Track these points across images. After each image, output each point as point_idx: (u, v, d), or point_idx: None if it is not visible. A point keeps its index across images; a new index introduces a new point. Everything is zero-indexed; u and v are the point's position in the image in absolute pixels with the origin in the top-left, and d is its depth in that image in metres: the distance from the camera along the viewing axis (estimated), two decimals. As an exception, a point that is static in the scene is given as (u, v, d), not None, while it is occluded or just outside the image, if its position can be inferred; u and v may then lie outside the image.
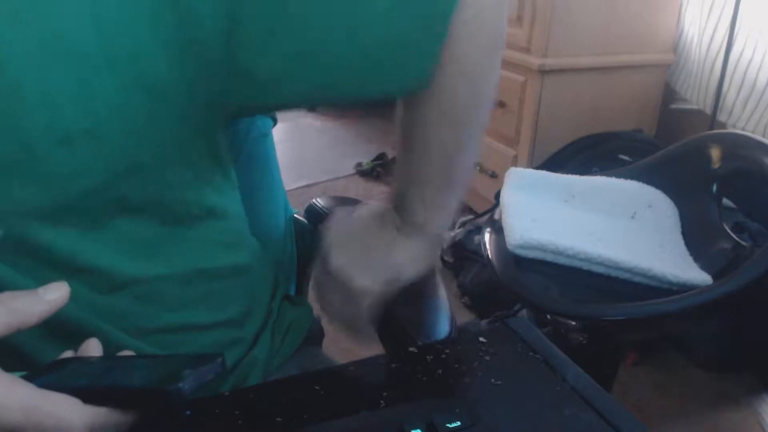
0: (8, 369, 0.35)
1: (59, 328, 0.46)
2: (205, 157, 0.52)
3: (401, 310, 0.62)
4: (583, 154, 1.90)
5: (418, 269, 0.57)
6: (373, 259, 0.56)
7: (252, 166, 0.75)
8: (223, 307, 0.58)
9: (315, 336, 0.74)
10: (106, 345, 0.42)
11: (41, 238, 0.45)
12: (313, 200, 0.85)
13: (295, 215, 0.86)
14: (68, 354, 0.41)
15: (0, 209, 0.43)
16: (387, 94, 0.52)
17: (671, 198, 1.30)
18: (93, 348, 0.41)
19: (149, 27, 0.41)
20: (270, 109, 0.68)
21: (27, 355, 0.48)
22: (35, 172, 0.42)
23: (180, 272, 0.53)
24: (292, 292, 0.85)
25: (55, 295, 0.37)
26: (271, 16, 0.43)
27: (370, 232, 0.58)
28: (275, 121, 0.78)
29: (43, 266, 0.46)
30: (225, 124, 0.53)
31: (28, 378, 0.37)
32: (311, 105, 0.62)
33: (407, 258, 0.57)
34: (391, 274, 0.56)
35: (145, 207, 0.49)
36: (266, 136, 0.77)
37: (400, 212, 0.57)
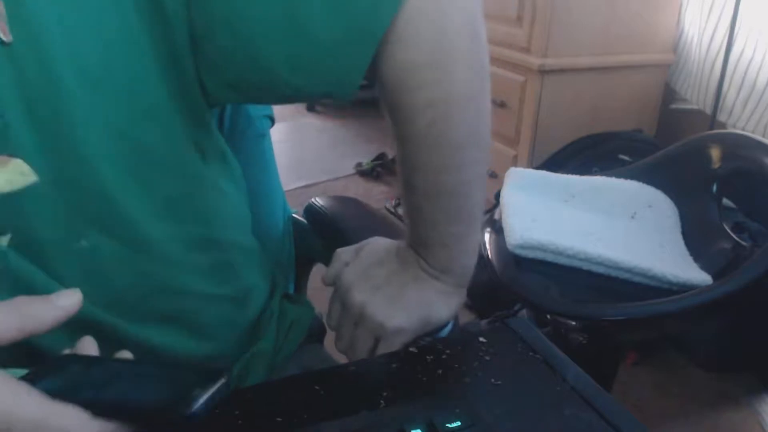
0: (10, 357, 0.35)
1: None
2: (201, 134, 0.54)
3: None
4: (583, 154, 1.90)
5: (451, 308, 0.58)
6: (406, 299, 0.56)
7: (250, 166, 0.75)
8: (226, 281, 0.60)
9: (316, 333, 0.74)
10: (105, 335, 0.42)
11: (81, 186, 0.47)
12: (312, 200, 0.85)
13: (294, 215, 0.86)
14: (66, 352, 0.41)
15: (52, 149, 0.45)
16: (318, 96, 0.53)
17: (671, 198, 1.30)
18: (89, 346, 0.41)
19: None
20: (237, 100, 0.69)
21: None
22: (59, 105, 0.44)
23: (193, 236, 0.55)
24: (291, 291, 0.85)
25: (68, 301, 0.37)
26: (213, 7, 0.46)
27: (392, 270, 0.58)
28: (273, 122, 0.78)
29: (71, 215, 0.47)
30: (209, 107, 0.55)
31: (29, 379, 0.36)
32: (261, 98, 0.64)
33: (440, 298, 0.57)
34: (424, 313, 0.56)
35: (164, 159, 0.51)
36: (264, 136, 0.77)
37: (423, 255, 0.57)
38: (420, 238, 0.56)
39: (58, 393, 0.35)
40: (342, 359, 0.61)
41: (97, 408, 0.35)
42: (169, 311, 0.56)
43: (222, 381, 0.36)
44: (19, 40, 0.41)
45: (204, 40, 0.47)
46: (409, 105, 0.49)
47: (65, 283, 0.48)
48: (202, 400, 0.35)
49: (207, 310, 0.58)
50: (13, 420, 0.33)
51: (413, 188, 0.54)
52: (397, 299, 0.56)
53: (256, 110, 0.75)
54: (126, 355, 0.42)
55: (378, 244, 0.61)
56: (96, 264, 0.50)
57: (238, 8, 0.45)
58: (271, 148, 0.80)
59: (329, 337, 0.75)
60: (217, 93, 0.51)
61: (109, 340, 0.44)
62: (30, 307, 0.36)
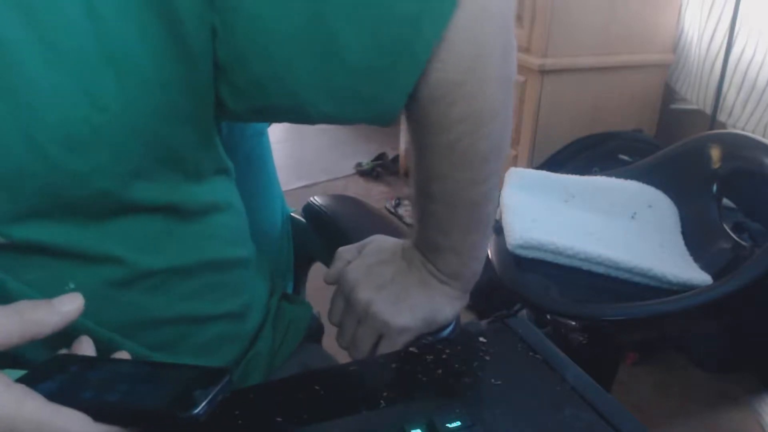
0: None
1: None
2: (206, 155, 0.52)
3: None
4: (583, 154, 1.90)
5: (455, 310, 0.58)
6: (411, 299, 0.56)
7: (248, 165, 0.75)
8: (225, 299, 0.58)
9: (315, 333, 0.74)
10: (100, 345, 0.42)
11: (53, 235, 0.45)
12: (311, 198, 0.85)
13: (292, 214, 0.86)
14: (63, 352, 0.41)
15: (12, 212, 0.43)
16: (361, 122, 0.50)
17: (671, 198, 1.30)
18: (85, 346, 0.41)
19: (136, 24, 0.41)
20: (260, 119, 0.67)
21: (18, 354, 0.48)
22: (47, 176, 0.42)
23: (185, 264, 0.53)
24: (290, 291, 0.85)
25: (69, 306, 0.37)
26: (241, 39, 0.43)
27: (397, 269, 0.58)
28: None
29: (54, 262, 0.46)
30: (219, 123, 0.53)
31: (27, 380, 0.36)
32: (295, 119, 0.61)
33: (445, 300, 0.57)
34: (429, 313, 0.56)
35: (155, 205, 0.49)
36: (262, 134, 0.77)
37: (432, 260, 0.57)
38: (431, 243, 0.56)
39: (58, 395, 0.35)
40: (341, 356, 0.61)
41: (98, 410, 0.35)
42: (162, 339, 0.54)
43: (225, 379, 0.36)
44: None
45: (233, 70, 0.45)
46: (438, 119, 0.48)
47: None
48: (205, 400, 0.35)
49: (205, 332, 0.57)
50: (17, 424, 0.33)
51: (430, 196, 0.53)
52: (403, 298, 0.56)
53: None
54: (123, 355, 0.42)
55: (381, 242, 0.61)
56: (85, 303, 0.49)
57: (271, 36, 0.43)
58: (269, 147, 0.79)
59: (327, 336, 0.75)
60: (237, 116, 0.50)
61: (103, 352, 0.43)
62: (32, 312, 0.36)
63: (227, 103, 0.48)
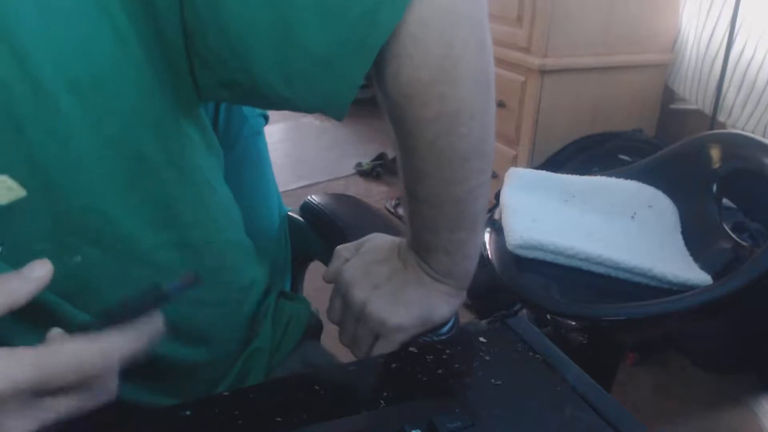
0: None
1: (34, 312, 0.46)
2: (189, 122, 0.53)
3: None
4: (583, 154, 1.90)
5: (452, 307, 0.58)
6: (407, 297, 0.56)
7: (245, 164, 0.75)
8: (221, 283, 0.59)
9: (314, 330, 0.74)
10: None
11: (71, 202, 0.46)
12: (309, 197, 0.85)
13: (290, 213, 0.86)
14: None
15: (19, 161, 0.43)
16: (316, 110, 0.50)
17: (671, 198, 1.30)
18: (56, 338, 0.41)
19: None
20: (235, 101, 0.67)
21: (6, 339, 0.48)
22: (52, 123, 0.42)
23: (185, 242, 0.54)
24: (288, 289, 0.85)
25: (40, 272, 0.37)
26: (201, 10, 0.44)
27: (393, 268, 0.58)
28: (267, 120, 0.78)
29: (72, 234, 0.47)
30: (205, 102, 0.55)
31: None
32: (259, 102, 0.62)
33: (441, 298, 0.57)
34: (425, 312, 0.56)
35: (158, 165, 0.49)
36: (259, 134, 0.77)
37: (425, 259, 0.57)
38: (422, 243, 0.56)
39: None
40: (340, 353, 0.62)
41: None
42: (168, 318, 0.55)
43: (189, 273, 0.41)
44: None
45: (196, 38, 0.46)
46: (413, 119, 0.48)
47: (56, 294, 0.47)
48: (167, 286, 0.40)
49: (201, 315, 0.58)
50: (14, 372, 0.33)
51: (416, 197, 0.54)
52: (398, 297, 0.56)
53: (250, 109, 0.74)
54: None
55: (379, 241, 0.61)
56: (87, 277, 0.49)
57: (228, 14, 0.43)
58: (265, 146, 0.79)
59: (326, 334, 0.75)
60: (209, 91, 0.50)
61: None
62: (6, 283, 0.36)
63: (197, 75, 0.48)
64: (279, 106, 0.50)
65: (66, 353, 0.35)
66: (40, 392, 0.34)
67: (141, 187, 0.49)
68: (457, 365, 0.52)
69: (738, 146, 1.25)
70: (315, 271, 0.84)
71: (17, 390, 0.33)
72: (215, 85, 0.49)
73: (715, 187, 1.25)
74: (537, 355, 0.53)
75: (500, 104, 2.02)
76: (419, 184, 0.52)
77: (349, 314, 0.58)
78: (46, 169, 0.44)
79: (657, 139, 2.06)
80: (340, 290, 0.59)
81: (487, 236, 1.24)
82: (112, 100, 0.45)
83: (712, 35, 1.87)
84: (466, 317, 1.79)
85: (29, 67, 0.41)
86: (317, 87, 0.47)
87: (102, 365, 0.36)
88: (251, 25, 0.44)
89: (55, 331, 0.40)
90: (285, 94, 0.47)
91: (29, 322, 0.45)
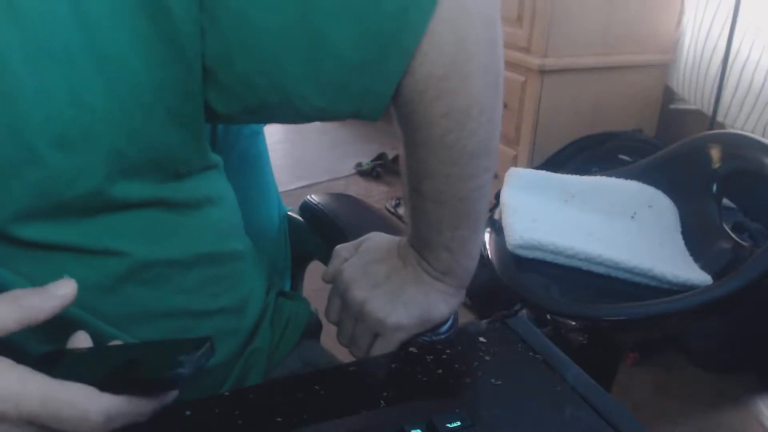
0: None
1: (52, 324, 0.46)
2: (195, 154, 0.52)
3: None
4: (583, 154, 1.90)
5: (451, 307, 0.58)
6: (406, 296, 0.56)
7: (244, 164, 0.75)
8: (222, 293, 0.58)
9: (313, 329, 0.74)
10: (95, 338, 0.42)
11: (45, 232, 0.45)
12: (308, 197, 0.85)
13: (289, 213, 0.86)
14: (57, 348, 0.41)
15: (2, 211, 0.43)
16: (351, 116, 0.50)
17: (671, 198, 1.30)
18: (82, 340, 0.41)
19: (128, 27, 0.41)
20: (251, 120, 0.67)
21: (13, 348, 0.48)
22: (35, 174, 0.42)
23: (182, 257, 0.53)
24: (287, 288, 0.85)
25: (64, 290, 0.38)
26: (227, 35, 0.43)
27: (392, 267, 0.58)
28: None
29: (50, 255, 0.46)
30: (214, 124, 0.53)
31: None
32: (287, 119, 0.62)
33: (440, 297, 0.57)
34: (424, 311, 0.56)
35: (144, 201, 0.49)
36: (258, 134, 0.77)
37: (425, 257, 0.57)
38: (423, 240, 0.56)
39: (59, 376, 0.36)
40: (341, 353, 0.61)
41: (99, 385, 0.36)
42: (160, 334, 0.53)
43: (207, 344, 0.38)
44: None
45: (220, 70, 0.45)
46: (424, 114, 0.48)
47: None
48: (189, 362, 0.37)
49: (202, 327, 0.57)
50: (21, 400, 0.33)
51: (420, 193, 0.53)
52: (397, 296, 0.56)
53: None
54: (116, 343, 0.43)
55: (378, 240, 0.61)
56: (80, 296, 0.49)
57: (257, 32, 0.43)
58: (265, 146, 0.79)
59: (325, 334, 0.75)
60: (231, 118, 0.50)
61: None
62: (28, 298, 0.37)
63: (216, 106, 0.47)
64: (309, 118, 0.49)
65: (71, 402, 0.35)
66: (33, 423, 0.35)
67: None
68: (457, 365, 0.52)
69: (738, 146, 1.25)
70: (314, 270, 0.84)
71: (19, 419, 0.34)
72: (239, 113, 0.49)
73: (715, 187, 1.24)
74: (537, 355, 0.53)
75: (500, 104, 2.02)
76: (425, 181, 0.52)
77: (348, 313, 0.58)
78: None
79: (657, 139, 2.06)
80: (338, 289, 0.59)
81: (487, 236, 1.24)
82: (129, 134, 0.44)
83: (711, 35, 1.87)
84: (466, 317, 1.80)
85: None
86: (352, 92, 0.47)
87: (100, 426, 0.36)
88: (281, 38, 0.43)
89: (81, 335, 0.40)
90: (319, 105, 0.47)
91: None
